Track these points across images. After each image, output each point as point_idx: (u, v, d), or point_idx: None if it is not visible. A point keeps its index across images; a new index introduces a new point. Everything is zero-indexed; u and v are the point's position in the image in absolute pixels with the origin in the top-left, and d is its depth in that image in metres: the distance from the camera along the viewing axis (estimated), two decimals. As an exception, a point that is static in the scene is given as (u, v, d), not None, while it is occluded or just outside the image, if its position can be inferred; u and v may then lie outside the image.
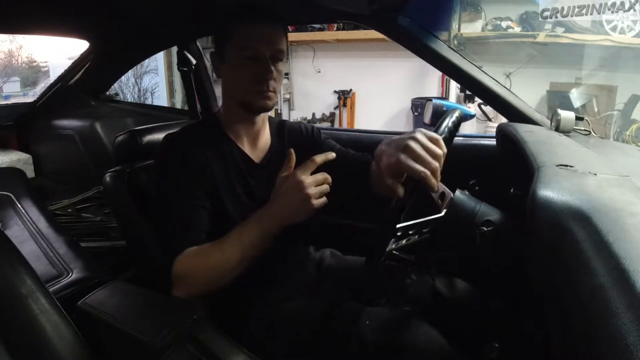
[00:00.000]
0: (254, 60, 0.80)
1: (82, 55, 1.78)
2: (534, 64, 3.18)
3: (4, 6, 1.05)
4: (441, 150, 0.63)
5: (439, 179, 0.63)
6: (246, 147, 0.89)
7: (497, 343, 0.73)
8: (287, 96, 5.27)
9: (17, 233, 1.23)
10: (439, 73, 3.91)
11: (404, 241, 0.70)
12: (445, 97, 3.62)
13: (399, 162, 0.62)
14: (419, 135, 0.63)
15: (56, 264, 1.09)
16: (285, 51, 0.83)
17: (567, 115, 0.97)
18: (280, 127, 0.97)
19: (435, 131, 0.73)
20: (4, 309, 0.62)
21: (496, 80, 1.10)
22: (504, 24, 3.27)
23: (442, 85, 3.79)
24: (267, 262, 0.90)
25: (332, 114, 5.00)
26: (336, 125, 4.83)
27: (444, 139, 0.71)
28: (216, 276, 0.74)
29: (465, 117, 0.92)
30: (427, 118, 1.14)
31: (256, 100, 0.82)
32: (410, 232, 0.69)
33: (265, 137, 0.92)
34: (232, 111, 0.87)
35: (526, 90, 3.08)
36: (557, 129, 0.97)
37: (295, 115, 5.28)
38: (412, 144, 0.61)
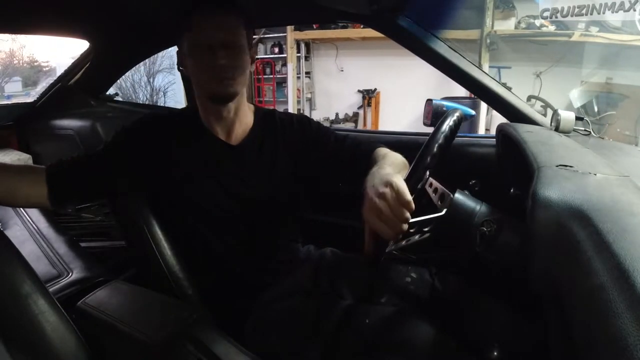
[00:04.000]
0: (206, 49, 0.80)
1: (82, 55, 1.78)
2: (564, 63, 3.14)
3: (5, 6, 1.05)
4: (409, 213, 0.60)
5: (404, 234, 0.63)
6: (222, 135, 0.89)
7: (497, 343, 0.73)
8: (309, 96, 5.16)
9: (17, 233, 1.23)
10: None
11: (403, 242, 0.70)
12: (474, 96, 3.58)
13: (365, 216, 0.61)
14: (387, 194, 0.60)
15: (56, 264, 1.09)
16: (238, 41, 0.81)
17: (567, 116, 0.97)
18: (266, 115, 0.96)
19: (435, 132, 0.73)
20: (4, 309, 0.62)
21: (496, 80, 1.10)
22: (537, 22, 3.22)
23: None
24: (265, 261, 0.90)
25: (356, 114, 4.89)
26: (360, 126, 4.72)
27: (445, 138, 0.71)
28: None
29: (465, 117, 0.92)
30: (426, 118, 1.14)
31: (216, 88, 0.82)
32: (412, 230, 0.69)
33: (244, 124, 0.91)
34: (202, 103, 0.89)
35: (557, 90, 3.04)
36: (557, 129, 0.98)
37: (317, 115, 5.17)
38: (379, 203, 0.59)
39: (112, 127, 1.79)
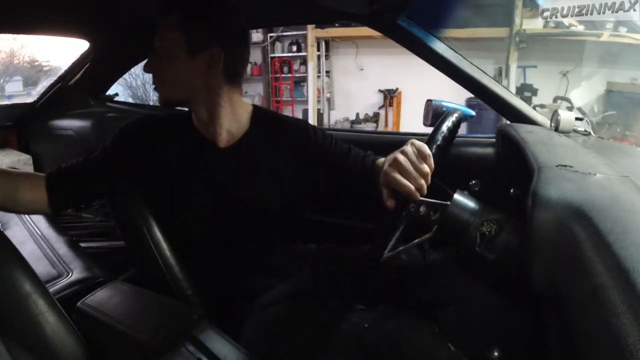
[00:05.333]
0: None
1: (82, 55, 1.78)
2: (590, 63, 3.13)
3: (5, 6, 1.05)
4: (429, 168, 0.63)
5: (424, 194, 0.63)
6: (207, 133, 0.86)
7: (497, 343, 0.73)
8: (328, 95, 5.04)
9: (17, 233, 1.22)
10: (491, 71, 3.74)
11: (401, 247, 0.70)
12: None
13: (386, 174, 0.63)
14: (408, 149, 0.63)
15: (56, 264, 1.09)
16: (164, 47, 0.79)
17: (567, 116, 0.97)
18: (266, 118, 0.92)
19: (434, 132, 0.73)
20: (4, 309, 0.62)
21: (496, 80, 1.10)
22: (566, 21, 3.22)
23: (496, 85, 3.69)
24: (263, 263, 0.90)
25: (376, 114, 4.78)
26: (381, 127, 4.60)
27: (444, 138, 0.71)
28: None
29: (465, 117, 0.92)
30: (426, 119, 1.14)
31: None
32: (421, 213, 0.70)
33: (233, 127, 0.87)
34: None
35: (584, 89, 3.02)
36: (557, 130, 0.98)
37: (337, 115, 5.06)
38: (400, 157, 0.63)
39: (112, 127, 1.79)
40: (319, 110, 4.97)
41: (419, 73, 3.95)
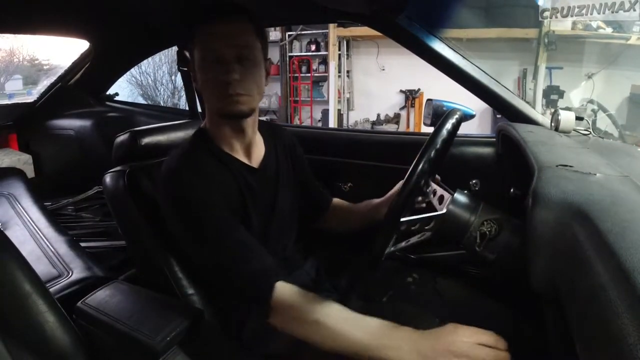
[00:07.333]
0: (217, 63, 0.74)
1: (82, 55, 1.78)
2: (615, 65, 3.12)
3: (5, 6, 1.05)
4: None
5: None
6: (242, 156, 0.85)
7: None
8: (347, 95, 4.96)
9: (17, 233, 1.23)
10: (516, 73, 3.70)
11: (403, 243, 0.70)
12: (522, 98, 3.62)
13: None
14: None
15: (56, 264, 1.09)
16: (252, 55, 0.76)
17: (567, 116, 0.97)
18: (270, 130, 0.95)
19: (435, 132, 0.73)
20: (4, 309, 0.62)
21: (496, 80, 1.10)
22: (594, 23, 3.22)
23: (519, 87, 3.65)
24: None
25: (397, 115, 4.72)
26: (402, 127, 4.51)
27: (443, 142, 0.71)
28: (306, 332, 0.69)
29: (465, 117, 0.92)
30: (426, 118, 1.14)
31: (226, 106, 0.76)
32: (413, 228, 0.69)
33: (259, 141, 0.89)
34: (217, 122, 0.82)
35: (608, 92, 3.02)
36: (557, 129, 0.97)
37: (356, 116, 4.97)
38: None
39: (112, 127, 1.80)
40: (339, 110, 4.87)
41: (441, 73, 3.97)
